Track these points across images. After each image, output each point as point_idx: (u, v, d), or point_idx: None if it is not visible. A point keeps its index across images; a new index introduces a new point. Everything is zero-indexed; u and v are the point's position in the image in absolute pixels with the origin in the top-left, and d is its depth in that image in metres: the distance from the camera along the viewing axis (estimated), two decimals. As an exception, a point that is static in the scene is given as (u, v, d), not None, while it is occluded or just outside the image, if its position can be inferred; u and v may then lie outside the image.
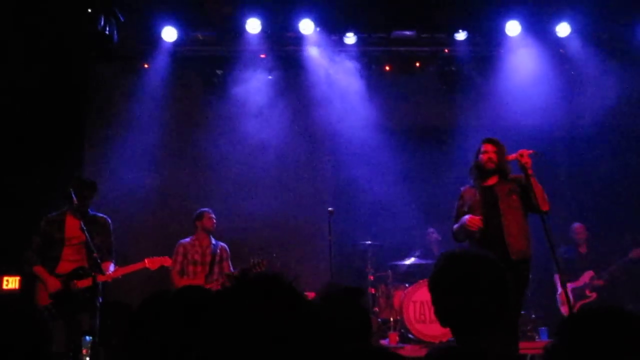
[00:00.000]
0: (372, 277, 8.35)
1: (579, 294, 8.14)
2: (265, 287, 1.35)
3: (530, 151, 5.21)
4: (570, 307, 7.78)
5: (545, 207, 5.19)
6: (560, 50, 8.86)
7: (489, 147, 5.61)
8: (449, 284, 2.26)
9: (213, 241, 7.44)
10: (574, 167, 9.31)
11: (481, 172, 5.64)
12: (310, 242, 8.76)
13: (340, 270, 8.61)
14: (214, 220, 7.42)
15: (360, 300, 2.41)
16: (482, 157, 5.61)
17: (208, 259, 7.32)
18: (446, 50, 8.93)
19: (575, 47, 8.68)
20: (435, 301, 2.32)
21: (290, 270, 8.55)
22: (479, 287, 2.20)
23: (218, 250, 7.38)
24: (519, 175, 5.40)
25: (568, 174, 9.38)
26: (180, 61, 8.78)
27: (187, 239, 7.43)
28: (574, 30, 8.48)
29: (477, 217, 5.40)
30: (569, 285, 8.10)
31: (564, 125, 9.17)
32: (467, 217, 5.44)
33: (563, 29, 8.46)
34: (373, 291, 8.34)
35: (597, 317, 1.93)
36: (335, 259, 7.99)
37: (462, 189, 5.84)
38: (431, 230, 8.77)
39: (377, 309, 8.26)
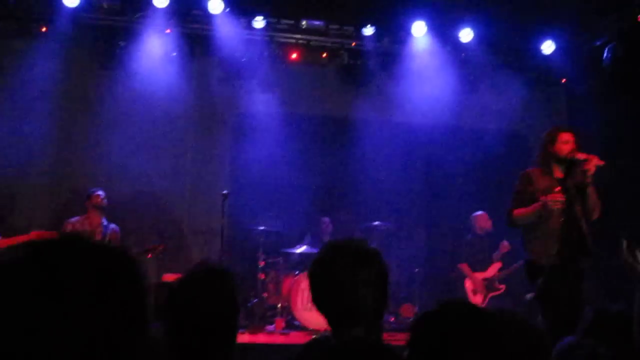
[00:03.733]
0: (263, 263, 8.35)
1: (490, 285, 8.34)
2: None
3: (602, 162, 4.94)
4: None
5: (595, 216, 5.12)
6: (462, 54, 9.16)
7: (570, 137, 5.21)
8: (328, 275, 2.26)
9: (104, 222, 7.21)
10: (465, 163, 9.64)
11: (560, 162, 5.23)
12: (205, 224, 8.65)
13: (232, 255, 8.58)
14: (102, 197, 7.17)
15: (226, 283, 2.36)
16: (564, 147, 5.18)
17: (98, 239, 7.09)
18: (353, 44, 9.02)
19: (476, 53, 9.00)
20: (313, 290, 2.33)
21: (182, 253, 8.46)
22: (357, 279, 2.20)
23: (109, 232, 7.16)
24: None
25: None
26: (81, 28, 8.40)
27: (77, 218, 7.17)
28: (476, 37, 8.77)
29: (558, 194, 5.03)
30: (479, 276, 8.38)
31: (457, 126, 9.50)
32: (546, 198, 5.01)
33: (466, 35, 8.74)
34: (263, 277, 8.35)
35: (446, 315, 1.97)
36: (227, 243, 7.97)
37: (528, 170, 5.37)
38: (326, 219, 8.86)
39: (265, 294, 8.29)
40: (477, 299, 8.25)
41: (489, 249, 8.51)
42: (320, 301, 2.31)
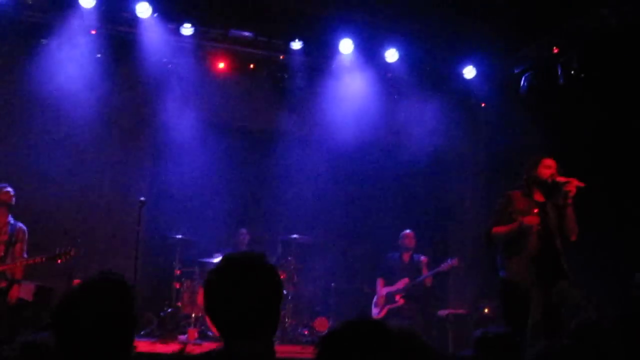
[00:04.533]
0: (178, 272, 8.29)
1: (390, 298, 8.49)
2: None
3: (582, 184, 5.20)
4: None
5: (573, 237, 5.35)
6: (388, 74, 9.36)
7: (552, 163, 5.48)
8: (220, 285, 2.28)
9: (11, 220, 6.93)
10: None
11: (539, 185, 5.50)
12: (120, 231, 8.49)
13: (147, 263, 8.47)
14: (12, 194, 6.86)
15: (122, 293, 2.36)
16: (546, 171, 5.45)
17: (4, 237, 6.83)
18: (281, 57, 9.08)
19: (401, 74, 9.21)
20: (206, 300, 2.34)
21: (95, 260, 8.27)
22: (247, 292, 2.23)
23: (15, 231, 6.90)
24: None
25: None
26: (2, 24, 8.16)
27: (-20, 214, 6.86)
28: (401, 57, 8.97)
29: (535, 216, 5.32)
30: (385, 290, 8.50)
31: (379, 143, 9.73)
32: (523, 218, 5.31)
33: (391, 55, 8.93)
34: (178, 286, 8.29)
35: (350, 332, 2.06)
36: (143, 251, 7.87)
37: (509, 192, 5.62)
38: (243, 230, 8.85)
39: (179, 304, 8.22)
40: (375, 312, 8.40)
41: (409, 265, 8.63)
42: (211, 311, 2.34)
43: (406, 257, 8.64)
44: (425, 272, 8.35)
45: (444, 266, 8.22)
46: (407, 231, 8.62)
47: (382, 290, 8.50)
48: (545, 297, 5.28)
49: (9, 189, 6.90)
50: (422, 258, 8.52)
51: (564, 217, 5.32)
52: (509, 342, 3.20)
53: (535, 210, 5.39)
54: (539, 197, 5.53)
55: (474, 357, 3.19)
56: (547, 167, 5.46)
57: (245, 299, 2.24)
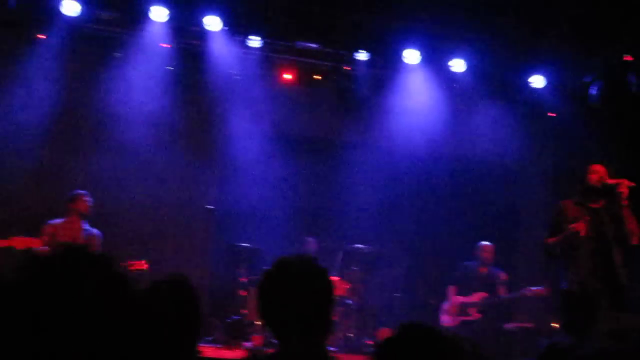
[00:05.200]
0: (245, 280, 8.39)
1: (464, 309, 8.36)
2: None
3: (632, 184, 5.18)
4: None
5: (634, 241, 5.23)
6: (454, 85, 9.30)
7: (599, 168, 5.46)
8: (272, 287, 2.36)
9: (86, 226, 7.15)
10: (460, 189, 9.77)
11: (590, 191, 5.47)
12: (187, 238, 8.68)
13: (215, 270, 8.62)
14: (89, 204, 7.12)
15: (187, 294, 2.44)
16: (593, 176, 5.44)
17: (80, 243, 7.07)
18: (346, 68, 9.14)
19: (468, 84, 9.13)
20: (259, 302, 2.42)
21: (164, 267, 8.45)
22: (298, 292, 2.30)
23: (89, 237, 7.10)
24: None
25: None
26: (79, 38, 8.48)
27: (58, 220, 7.07)
28: (468, 68, 8.90)
29: (580, 223, 5.27)
30: (459, 299, 8.40)
31: (445, 154, 9.67)
32: (570, 225, 5.30)
33: (458, 65, 8.87)
34: (244, 294, 8.38)
35: (410, 338, 2.10)
36: (211, 259, 8.01)
37: (562, 202, 5.66)
38: (310, 239, 8.88)
39: (245, 311, 8.31)
40: (446, 320, 8.29)
41: (486, 278, 8.50)
42: (263, 311, 2.41)
43: (483, 270, 8.46)
44: (502, 289, 8.20)
45: (528, 292, 8.00)
46: (487, 243, 8.44)
47: (456, 299, 8.39)
48: (612, 305, 5.14)
49: (88, 198, 7.11)
50: (502, 275, 8.34)
51: (621, 221, 5.19)
52: (575, 353, 3.13)
53: (587, 218, 5.31)
54: (593, 204, 5.45)
55: None
56: (595, 173, 5.42)
57: (296, 300, 2.31)
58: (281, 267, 2.39)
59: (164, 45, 8.61)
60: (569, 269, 5.37)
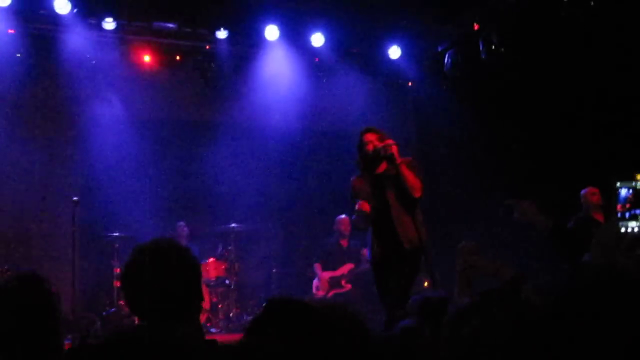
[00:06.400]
0: (118, 270, 8.18)
1: (335, 283, 8.56)
2: None
3: (392, 141, 5.07)
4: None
5: (416, 194, 5.13)
6: (316, 59, 9.42)
7: (371, 137, 5.24)
8: (132, 277, 2.38)
9: None
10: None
11: (368, 162, 5.27)
12: (53, 233, 8.32)
13: (85, 263, 8.34)
14: None
15: (34, 290, 2.39)
16: (367, 147, 5.20)
17: None
18: (207, 47, 9.02)
19: (328, 57, 9.28)
20: (125, 290, 2.43)
21: (31, 264, 8.08)
22: (160, 275, 2.32)
23: None
24: (406, 159, 5.22)
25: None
26: None
27: None
28: (327, 41, 9.03)
29: (364, 202, 5.09)
30: (327, 274, 8.59)
31: (311, 128, 9.83)
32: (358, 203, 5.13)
33: (317, 39, 8.98)
34: (118, 284, 8.17)
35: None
36: (80, 251, 7.75)
37: (351, 179, 5.43)
38: (181, 223, 8.79)
39: (122, 302, 8.12)
40: (319, 295, 8.49)
41: (348, 250, 8.73)
42: (129, 300, 2.43)
43: (344, 242, 8.72)
44: (366, 262, 8.47)
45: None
46: (342, 216, 8.55)
47: (324, 274, 8.60)
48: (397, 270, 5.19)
49: None
50: (364, 250, 8.61)
51: (401, 180, 5.12)
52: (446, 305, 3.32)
53: (367, 191, 5.23)
54: (380, 169, 5.30)
55: (418, 324, 3.21)
56: (368, 143, 5.25)
57: (156, 282, 2.32)
58: (137, 254, 2.39)
59: (10, 31, 8.11)
60: (372, 239, 5.33)
